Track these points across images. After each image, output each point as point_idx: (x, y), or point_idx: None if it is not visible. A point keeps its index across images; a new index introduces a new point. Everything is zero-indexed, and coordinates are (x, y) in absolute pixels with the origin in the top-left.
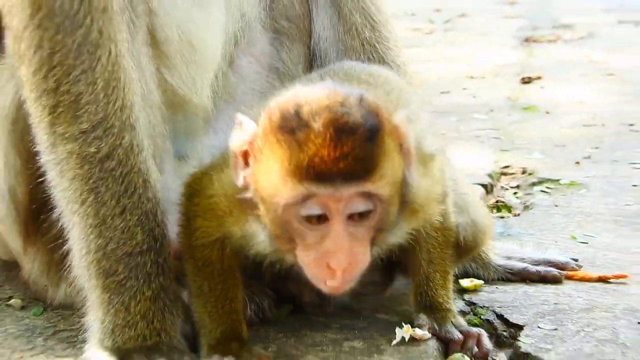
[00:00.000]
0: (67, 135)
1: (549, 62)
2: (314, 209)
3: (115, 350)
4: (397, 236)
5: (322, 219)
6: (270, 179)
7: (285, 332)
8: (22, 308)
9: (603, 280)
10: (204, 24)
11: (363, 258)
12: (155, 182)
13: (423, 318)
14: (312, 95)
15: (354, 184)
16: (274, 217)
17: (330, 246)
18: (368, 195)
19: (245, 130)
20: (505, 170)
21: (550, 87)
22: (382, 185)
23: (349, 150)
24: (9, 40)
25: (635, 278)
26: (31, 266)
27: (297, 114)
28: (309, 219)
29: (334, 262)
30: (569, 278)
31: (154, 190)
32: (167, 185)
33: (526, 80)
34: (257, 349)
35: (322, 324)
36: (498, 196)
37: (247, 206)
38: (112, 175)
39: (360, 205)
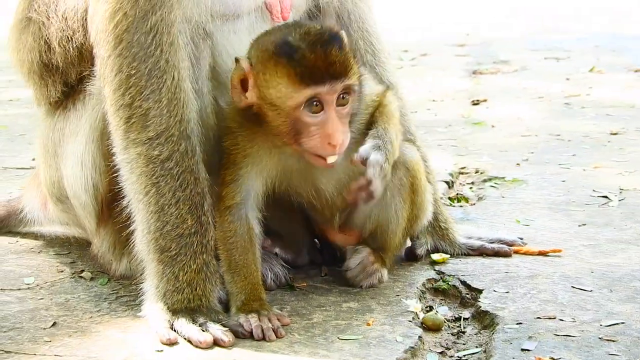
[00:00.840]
0: (137, 140)
1: (492, 88)
2: (315, 102)
3: (166, 309)
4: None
5: (319, 110)
6: (279, 91)
7: (297, 296)
8: (91, 279)
9: (542, 254)
10: None
11: (347, 136)
12: (204, 180)
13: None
14: (290, 28)
15: (340, 80)
16: (284, 118)
17: (329, 129)
18: (346, 88)
19: (244, 64)
20: (462, 170)
21: (494, 107)
22: (354, 78)
23: (334, 58)
24: (97, 66)
25: (567, 252)
26: (101, 244)
27: (288, 41)
28: (310, 111)
29: (334, 139)
30: (516, 252)
31: (202, 186)
32: (214, 188)
33: (475, 102)
34: (275, 309)
35: (325, 290)
36: (458, 190)
37: (253, 120)
38: (170, 174)
39: (343, 94)
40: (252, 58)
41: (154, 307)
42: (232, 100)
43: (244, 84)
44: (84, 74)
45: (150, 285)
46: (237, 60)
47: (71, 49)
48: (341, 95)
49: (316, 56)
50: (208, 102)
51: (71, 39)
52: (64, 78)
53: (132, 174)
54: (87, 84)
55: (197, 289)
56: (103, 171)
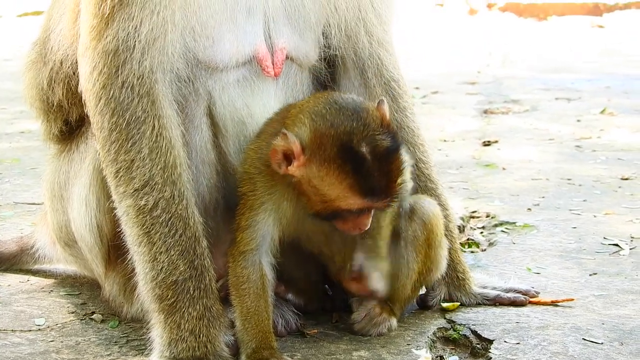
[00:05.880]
0: (126, 193)
1: (503, 129)
2: (364, 211)
3: (173, 359)
4: None
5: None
6: (335, 193)
7: (307, 343)
8: (102, 321)
9: (554, 303)
10: (257, 107)
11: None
12: (196, 224)
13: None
14: (347, 118)
15: (395, 198)
16: (326, 207)
17: (364, 223)
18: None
19: (292, 146)
20: (473, 214)
21: (505, 149)
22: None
23: (396, 177)
24: None
25: (578, 302)
26: (111, 287)
27: (353, 149)
28: (354, 213)
29: (364, 227)
30: (529, 302)
31: (192, 231)
32: (218, 228)
33: (486, 143)
34: (285, 356)
35: (335, 337)
36: (468, 235)
37: (277, 176)
38: (159, 221)
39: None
40: (304, 140)
41: (161, 357)
42: (272, 164)
43: (287, 156)
44: (84, 114)
45: (156, 335)
46: (283, 133)
47: (67, 92)
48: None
49: (381, 174)
50: (208, 137)
51: (68, 82)
52: (64, 116)
53: (126, 226)
54: (89, 125)
55: (201, 335)
56: (107, 211)
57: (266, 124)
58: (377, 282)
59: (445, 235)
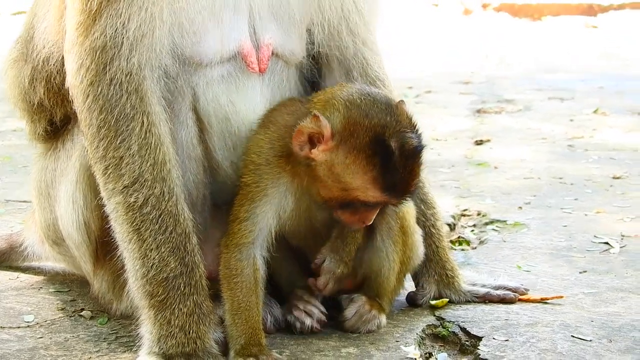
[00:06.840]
0: (115, 190)
1: (495, 128)
2: (376, 205)
3: (162, 355)
4: None
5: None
6: (356, 183)
7: (296, 340)
8: (91, 318)
9: (543, 301)
10: (242, 103)
11: None
12: (186, 220)
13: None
14: (383, 111)
15: (409, 197)
16: (340, 195)
17: (369, 217)
18: None
19: (324, 129)
20: (464, 213)
21: (497, 148)
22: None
23: (416, 178)
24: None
25: (568, 300)
26: (100, 285)
27: (384, 142)
28: (367, 205)
29: (368, 221)
30: (519, 299)
31: (183, 227)
32: (206, 225)
33: (478, 142)
34: (274, 353)
35: (324, 334)
36: (459, 233)
37: (285, 157)
38: (149, 218)
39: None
40: (335, 125)
41: (150, 352)
42: (292, 145)
43: (312, 139)
44: (69, 113)
45: (146, 330)
46: (315, 115)
47: (47, 91)
48: None
49: (404, 172)
50: (193, 133)
51: (50, 80)
52: (48, 116)
53: (116, 223)
54: (74, 123)
55: (191, 332)
56: (95, 208)
57: (273, 116)
58: (328, 283)
59: (433, 233)
